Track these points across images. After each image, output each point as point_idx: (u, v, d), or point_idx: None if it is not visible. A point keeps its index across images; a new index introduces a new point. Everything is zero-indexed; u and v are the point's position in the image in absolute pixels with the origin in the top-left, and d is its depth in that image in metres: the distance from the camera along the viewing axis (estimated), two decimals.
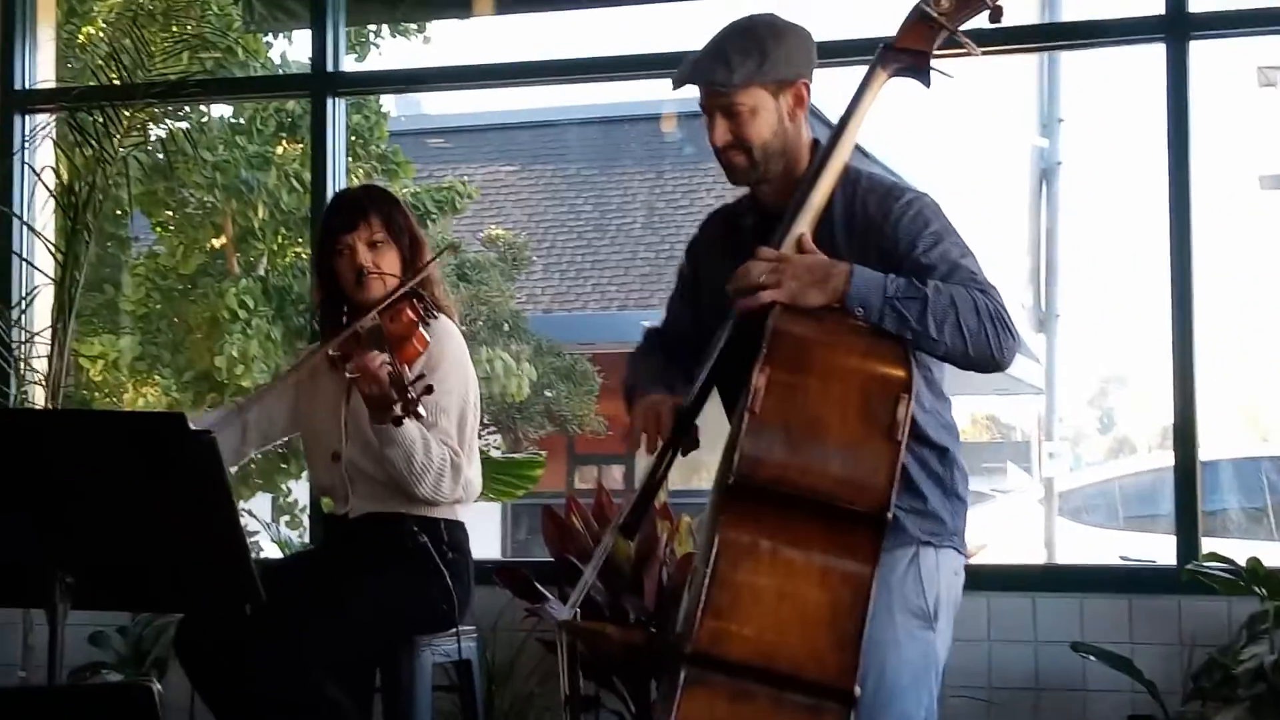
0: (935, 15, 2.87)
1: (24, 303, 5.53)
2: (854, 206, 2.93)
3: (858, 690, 2.54)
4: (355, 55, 10.81)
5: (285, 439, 4.14)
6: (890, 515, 2.58)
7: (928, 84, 2.89)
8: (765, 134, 2.92)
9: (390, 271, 3.75)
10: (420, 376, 3.43)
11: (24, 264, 5.61)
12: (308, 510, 6.93)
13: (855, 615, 2.55)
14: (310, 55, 5.56)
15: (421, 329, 3.55)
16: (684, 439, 2.87)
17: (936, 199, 2.95)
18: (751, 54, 2.88)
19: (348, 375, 3.59)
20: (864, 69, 2.93)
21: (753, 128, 2.92)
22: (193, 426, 2.68)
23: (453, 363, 3.78)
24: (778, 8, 3.04)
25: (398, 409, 3.38)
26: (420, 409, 3.38)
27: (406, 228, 3.85)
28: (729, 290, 2.79)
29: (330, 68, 5.47)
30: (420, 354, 3.59)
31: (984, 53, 2.95)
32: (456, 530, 3.83)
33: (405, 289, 3.69)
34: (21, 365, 5.40)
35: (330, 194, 5.33)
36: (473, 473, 3.81)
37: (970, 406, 19.14)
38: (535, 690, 4.69)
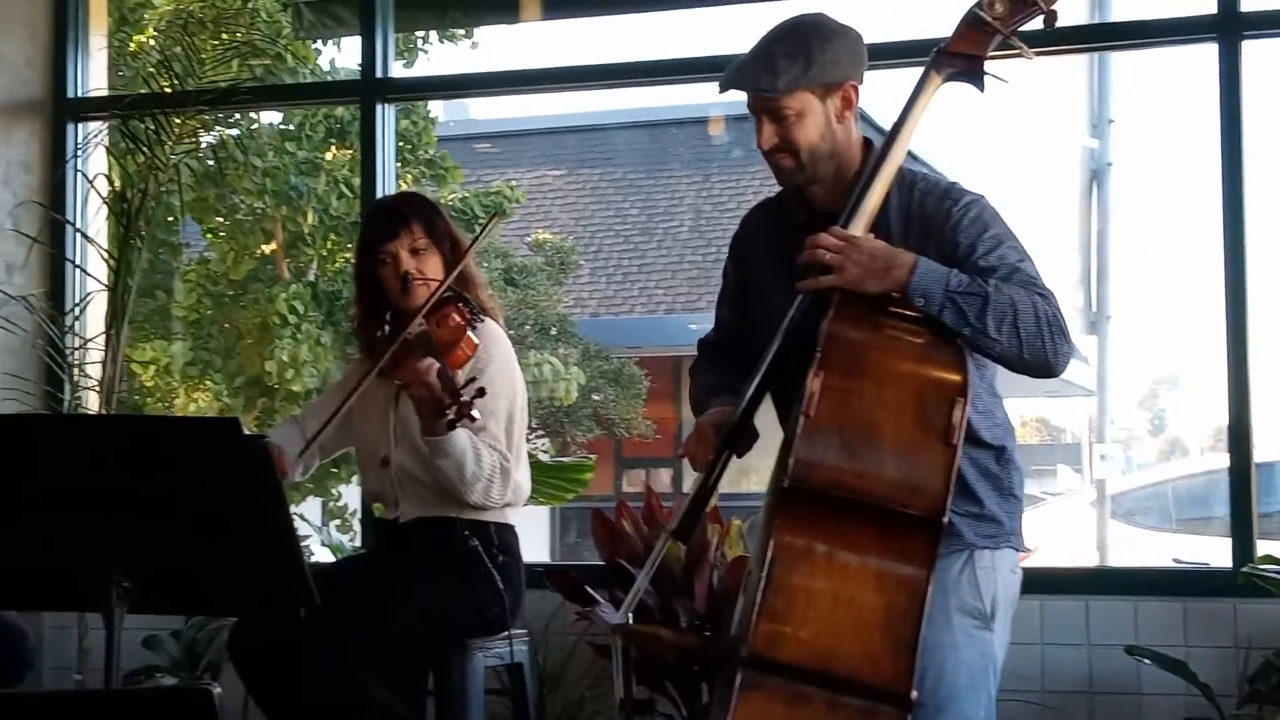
0: (989, 19, 2.85)
1: (77, 309, 5.58)
2: (910, 209, 2.92)
3: (914, 694, 2.53)
4: (404, 61, 10.86)
5: (340, 452, 4.16)
6: (946, 519, 2.57)
7: (982, 88, 2.87)
8: (813, 137, 2.92)
9: (434, 277, 3.77)
10: (472, 380, 3.43)
11: (77, 270, 5.66)
12: (359, 514, 6.96)
13: (911, 619, 2.54)
14: (360, 61, 5.59)
15: (469, 332, 3.55)
16: (737, 444, 2.87)
17: (992, 201, 2.94)
18: (797, 58, 2.88)
19: (398, 383, 3.60)
20: (915, 71, 2.92)
21: (800, 131, 2.91)
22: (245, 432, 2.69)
23: (500, 366, 3.78)
24: (826, 9, 3.03)
25: (451, 414, 3.38)
26: (474, 412, 3.38)
27: (447, 232, 3.88)
28: (799, 261, 2.79)
29: (380, 74, 5.50)
30: (469, 358, 3.58)
31: (1036, 54, 2.92)
32: (507, 534, 3.83)
33: (448, 284, 3.69)
34: (75, 371, 5.45)
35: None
36: (521, 476, 3.82)
37: (1020, 409, 19.04)
38: (586, 694, 4.70)
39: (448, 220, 3.92)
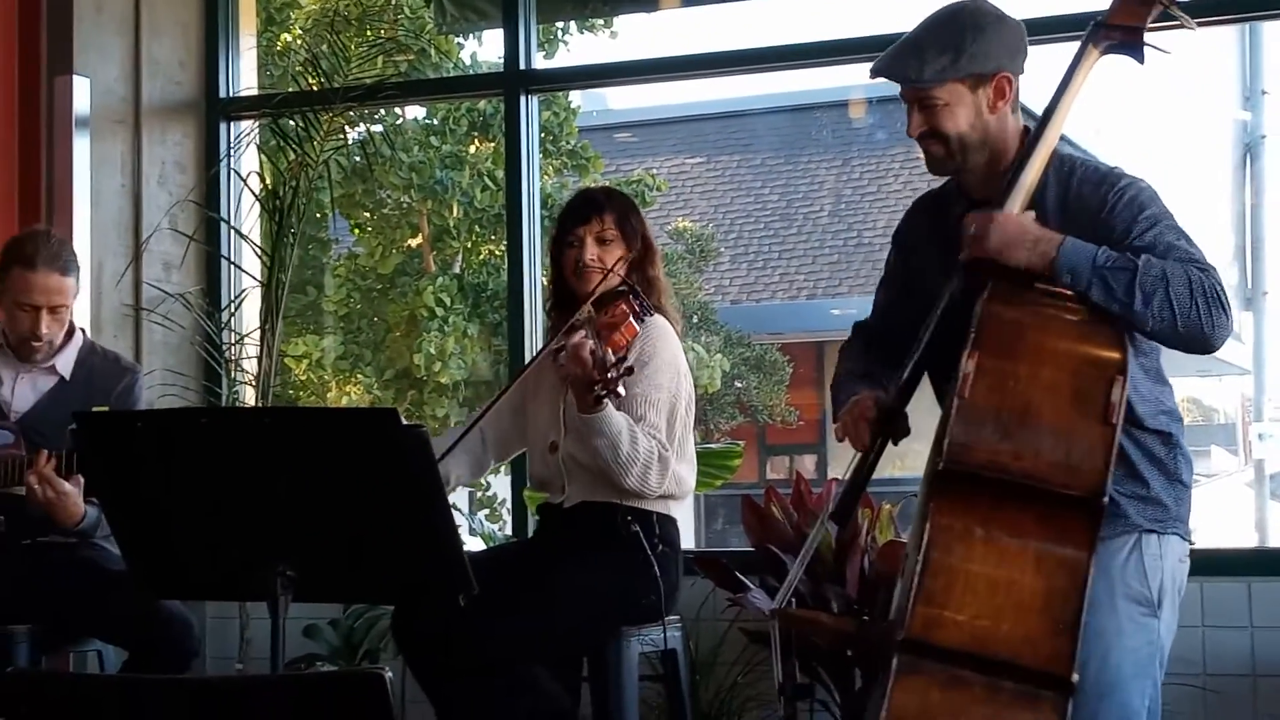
0: None
1: (233, 305, 5.70)
2: (1068, 198, 2.89)
3: (1075, 677, 2.50)
4: (544, 53, 10.93)
5: (519, 452, 4.23)
6: (1105, 500, 2.54)
7: (1141, 60, 2.84)
8: (961, 126, 2.90)
9: (612, 267, 3.82)
10: (623, 359, 3.46)
11: (233, 267, 5.77)
12: (508, 503, 7.02)
13: (1072, 602, 2.51)
14: (502, 54, 5.64)
15: (632, 320, 3.58)
16: (892, 428, 2.86)
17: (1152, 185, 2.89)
18: (947, 49, 2.86)
19: (558, 361, 3.64)
20: (1067, 47, 2.88)
21: (948, 120, 2.89)
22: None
23: (665, 360, 3.81)
24: None
25: (598, 389, 3.42)
26: (620, 389, 3.42)
27: (640, 231, 3.93)
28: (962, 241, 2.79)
29: (522, 65, 5.54)
30: (627, 343, 3.60)
31: (1199, 24, 2.87)
32: (668, 525, 3.85)
33: (616, 280, 3.74)
34: (231, 366, 5.57)
35: (524, 191, 5.44)
36: (684, 470, 3.84)
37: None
38: (739, 680, 4.69)
39: (645, 222, 3.97)
